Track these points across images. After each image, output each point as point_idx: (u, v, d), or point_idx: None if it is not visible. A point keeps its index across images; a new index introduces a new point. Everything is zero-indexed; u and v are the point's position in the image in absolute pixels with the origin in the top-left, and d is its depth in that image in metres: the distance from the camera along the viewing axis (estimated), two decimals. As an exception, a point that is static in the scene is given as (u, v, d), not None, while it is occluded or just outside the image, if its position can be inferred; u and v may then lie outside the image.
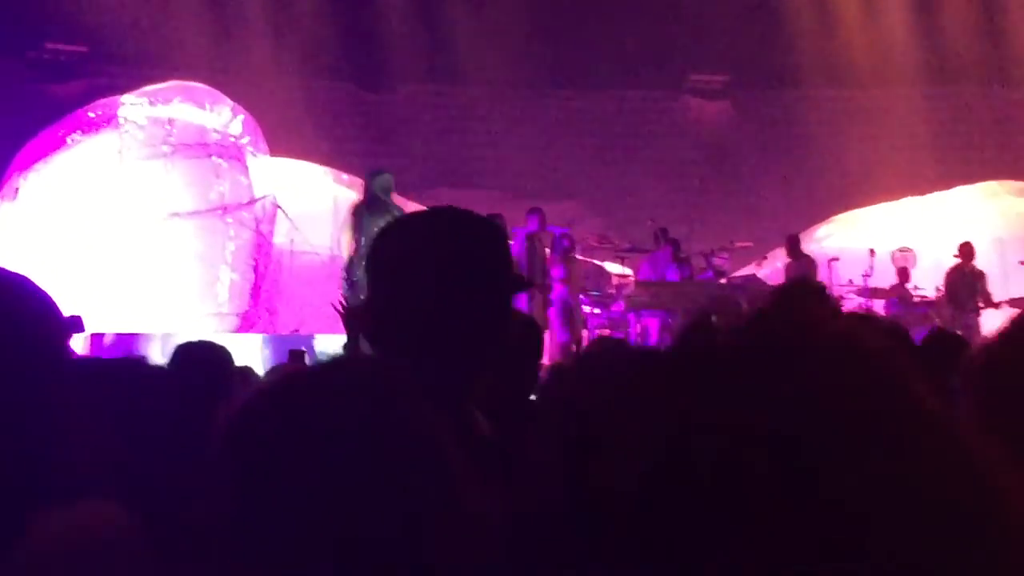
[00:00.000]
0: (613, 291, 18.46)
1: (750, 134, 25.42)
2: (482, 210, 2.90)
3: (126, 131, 17.38)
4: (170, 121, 17.63)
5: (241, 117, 18.27)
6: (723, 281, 17.52)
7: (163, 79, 18.66)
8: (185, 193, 17.06)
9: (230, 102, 18.34)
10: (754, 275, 18.15)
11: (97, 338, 14.00)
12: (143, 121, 17.51)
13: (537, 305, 15.11)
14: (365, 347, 3.03)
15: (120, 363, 3.47)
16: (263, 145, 18.48)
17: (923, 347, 5.15)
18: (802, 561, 0.67)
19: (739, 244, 19.22)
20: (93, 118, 17.55)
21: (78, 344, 12.01)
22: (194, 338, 6.87)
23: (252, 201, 17.47)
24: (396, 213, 11.61)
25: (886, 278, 18.64)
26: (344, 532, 1.48)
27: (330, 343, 13.59)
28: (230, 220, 17.18)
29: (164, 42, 22.06)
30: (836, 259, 18.64)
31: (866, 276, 18.31)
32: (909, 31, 25.17)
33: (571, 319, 16.54)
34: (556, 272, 16.55)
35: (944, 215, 21.17)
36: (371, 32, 24.35)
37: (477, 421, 2.48)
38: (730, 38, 24.89)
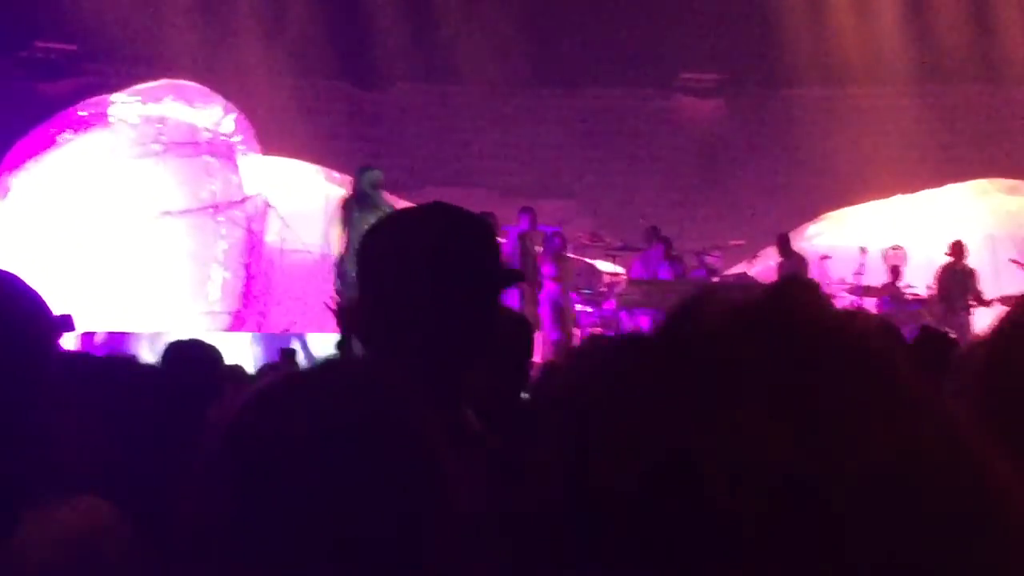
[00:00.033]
0: (605, 289, 18.46)
1: (742, 133, 25.43)
2: (474, 209, 2.89)
3: (117, 130, 17.37)
4: (161, 120, 17.62)
5: (232, 116, 18.27)
6: (715, 279, 17.54)
7: (154, 77, 18.65)
8: (176, 192, 17.05)
9: (221, 100, 18.33)
10: (745, 273, 18.17)
11: (88, 337, 13.99)
12: (134, 120, 17.50)
13: (528, 304, 15.11)
14: (358, 345, 3.02)
15: (110, 362, 3.46)
16: (254, 144, 18.49)
17: (912, 346, 5.16)
18: (802, 560, 0.66)
19: (731, 242, 19.24)
20: (84, 117, 17.54)
21: (69, 343, 12.00)
22: (184, 337, 6.87)
23: (243, 200, 17.46)
24: (386, 209, 11.60)
25: (877, 276, 18.67)
26: (340, 532, 1.48)
27: (322, 341, 13.59)
28: (221, 219, 17.18)
29: (155, 40, 22.00)
30: (827, 257, 18.67)
31: (857, 274, 18.32)
32: (900, 30, 25.19)
33: (562, 317, 16.54)
34: (547, 270, 16.56)
35: (935, 213, 21.18)
36: (362, 30, 24.32)
37: (469, 419, 2.48)
38: (722, 37, 24.90)
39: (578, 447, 0.71)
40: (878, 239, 19.91)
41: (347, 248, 12.09)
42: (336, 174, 18.44)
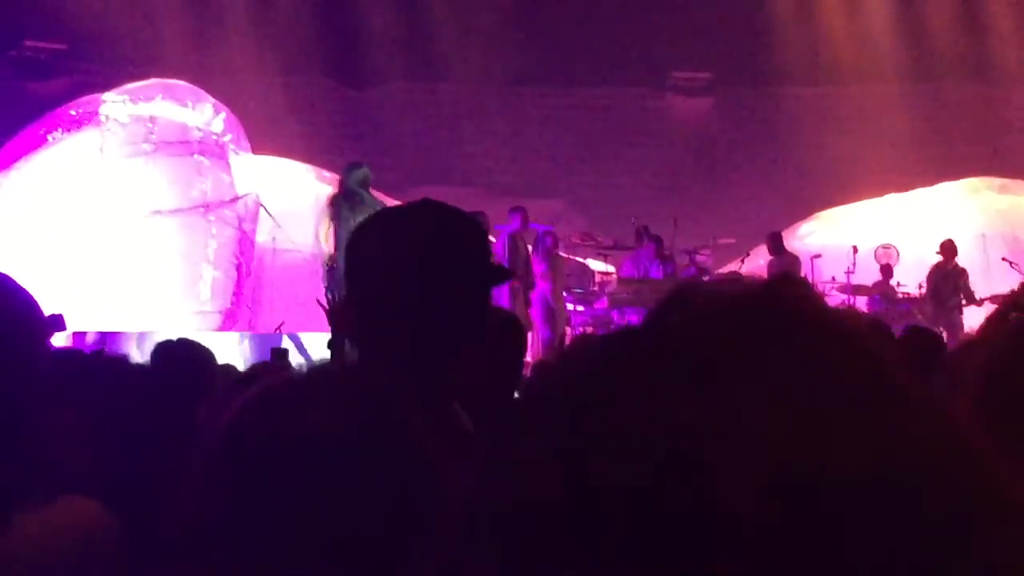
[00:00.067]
0: (596, 288, 18.49)
1: (733, 132, 25.46)
2: (464, 208, 2.88)
3: (108, 129, 17.34)
4: (152, 119, 17.60)
5: (223, 115, 18.25)
6: (706, 279, 17.54)
7: (145, 77, 18.63)
8: (167, 191, 17.03)
9: (212, 100, 18.31)
10: (737, 272, 18.17)
11: (79, 336, 13.96)
12: (125, 119, 17.47)
13: (519, 303, 15.11)
14: (349, 344, 3.02)
15: (101, 361, 3.46)
16: (245, 143, 18.47)
17: (901, 345, 5.17)
18: (802, 559, 0.66)
19: (722, 241, 19.28)
20: (74, 116, 17.52)
21: (60, 343, 11.97)
22: (175, 336, 6.86)
23: (234, 199, 17.44)
24: (374, 207, 11.57)
25: (869, 275, 18.70)
26: (336, 534, 1.49)
27: (313, 340, 13.58)
28: (212, 218, 17.16)
29: (145, 40, 22.01)
30: (819, 256, 18.71)
31: (849, 273, 18.36)
32: (891, 29, 25.24)
33: (554, 316, 16.55)
34: (539, 269, 16.56)
35: (926, 212, 21.22)
36: (353, 29, 24.34)
37: (459, 417, 2.47)
38: (713, 36, 24.93)
39: (575, 446, 0.70)
40: (869, 238, 19.97)
41: (336, 246, 12.06)
42: (327, 173, 18.44)
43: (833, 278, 18.20)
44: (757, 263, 18.96)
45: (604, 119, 25.43)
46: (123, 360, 3.73)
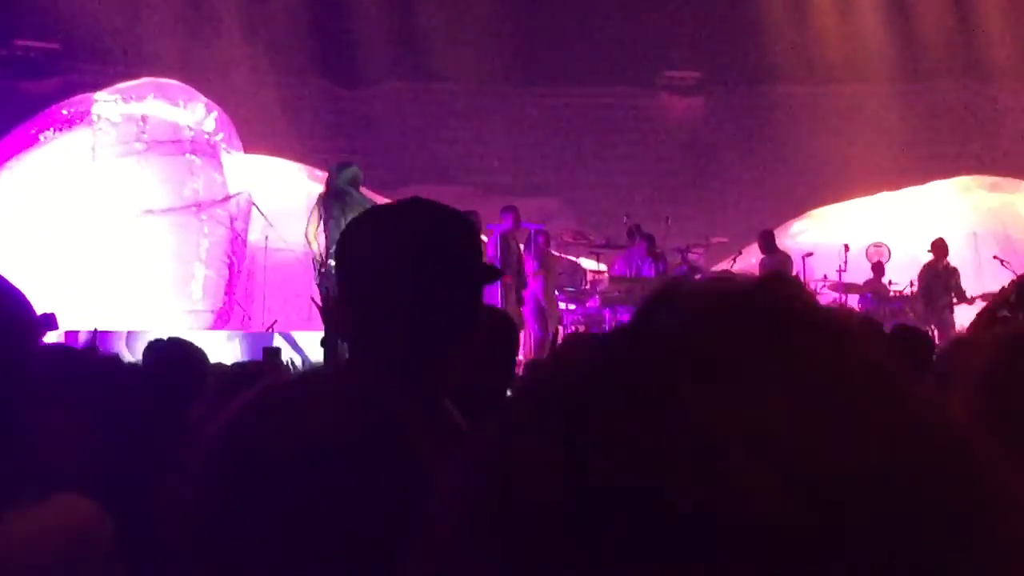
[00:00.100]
0: (588, 287, 18.47)
1: (724, 130, 25.47)
2: (457, 207, 2.87)
3: (99, 128, 17.33)
4: (143, 118, 17.58)
5: (215, 114, 18.24)
6: (698, 277, 17.52)
7: (136, 76, 18.62)
8: (159, 190, 17.01)
9: (204, 99, 18.30)
10: (729, 271, 18.17)
11: (71, 335, 13.95)
12: (116, 118, 17.46)
13: (511, 302, 15.10)
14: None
15: (93, 360, 3.45)
16: (237, 142, 18.46)
17: (889, 343, 5.17)
18: (802, 559, 0.66)
19: (714, 240, 19.26)
20: (66, 115, 17.50)
21: (52, 342, 11.95)
22: (167, 335, 6.85)
23: (226, 198, 17.43)
24: (365, 205, 11.55)
25: (860, 273, 18.71)
26: (330, 535, 1.49)
27: (306, 339, 13.57)
28: (204, 217, 17.15)
29: (137, 39, 21.98)
30: (810, 254, 18.69)
31: (840, 271, 18.36)
32: (882, 28, 25.27)
33: (546, 315, 16.54)
34: (531, 268, 16.55)
35: (918, 210, 21.25)
36: (345, 29, 24.32)
37: (452, 416, 2.47)
38: (704, 35, 24.96)
39: (576, 445, 0.71)
40: (861, 236, 19.97)
41: (328, 246, 12.03)
42: (319, 172, 18.42)
43: (825, 276, 18.20)
44: (749, 261, 18.96)
45: (596, 118, 25.43)
46: (115, 359, 3.73)
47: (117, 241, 16.26)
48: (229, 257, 17.15)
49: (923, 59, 24.97)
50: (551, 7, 25.06)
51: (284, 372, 5.84)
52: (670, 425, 0.68)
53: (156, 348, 5.67)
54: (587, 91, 25.29)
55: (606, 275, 18.66)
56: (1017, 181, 22.12)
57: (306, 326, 13.98)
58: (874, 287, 18.37)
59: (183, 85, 18.41)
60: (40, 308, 2.50)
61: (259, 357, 10.50)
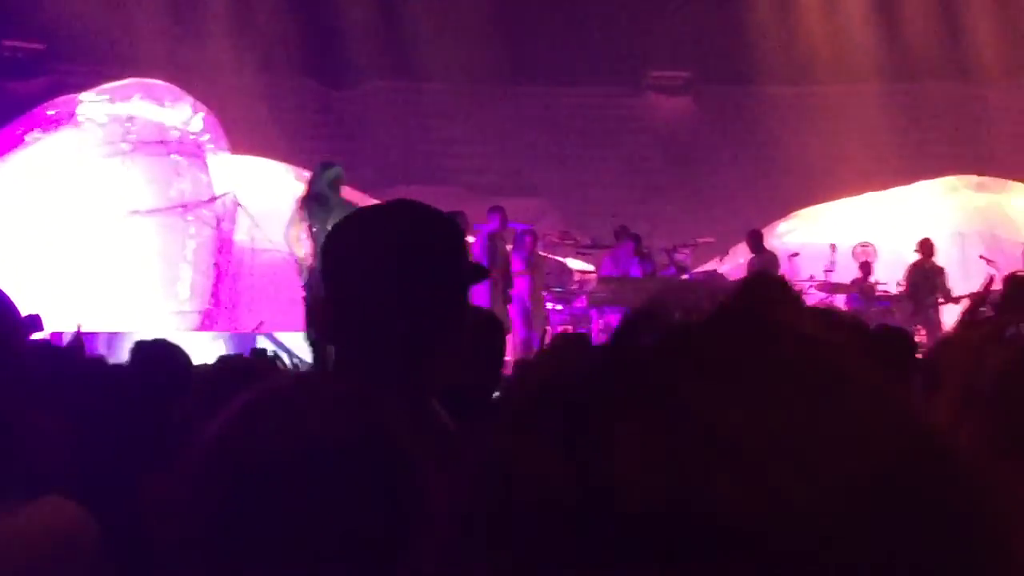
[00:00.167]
0: (575, 287, 18.50)
1: (712, 130, 25.50)
2: (444, 207, 2.88)
3: (85, 129, 17.30)
4: (130, 118, 17.56)
5: (201, 114, 18.22)
6: (685, 277, 17.58)
7: (122, 76, 18.59)
8: (145, 191, 16.99)
9: (190, 99, 18.28)
10: (716, 271, 18.22)
11: (57, 337, 13.93)
12: (102, 119, 17.44)
13: (499, 302, 15.10)
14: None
15: (78, 362, 3.45)
16: (223, 142, 18.43)
17: (872, 344, 5.16)
18: (800, 560, 0.66)
19: (701, 240, 19.29)
20: (52, 116, 17.47)
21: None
22: (152, 336, 6.83)
23: (213, 198, 17.42)
24: (345, 208, 11.54)
25: (847, 273, 18.77)
26: (324, 540, 1.50)
27: (292, 340, 13.56)
28: (191, 218, 17.13)
29: (123, 39, 21.94)
30: (797, 254, 18.75)
31: (827, 271, 18.42)
32: (869, 28, 25.32)
33: (533, 316, 16.56)
34: (518, 268, 16.57)
35: (905, 210, 21.30)
36: (332, 28, 24.31)
37: (439, 417, 2.47)
38: (691, 35, 24.99)
39: (579, 447, 0.71)
40: (848, 236, 20.03)
41: (313, 247, 11.99)
42: (306, 172, 18.39)
43: (812, 276, 18.24)
44: (736, 261, 19.00)
45: (583, 118, 25.44)
46: (100, 360, 3.72)
47: (103, 242, 16.23)
48: (216, 258, 17.14)
49: (910, 59, 25.03)
50: (538, 7, 25.08)
51: (284, 372, 5.83)
52: (672, 424, 0.68)
53: (140, 349, 5.65)
54: (574, 91, 25.30)
55: (593, 275, 18.68)
56: (1003, 181, 22.19)
57: (292, 327, 13.96)
58: (861, 286, 18.42)
59: (169, 85, 18.39)
60: (26, 309, 2.49)
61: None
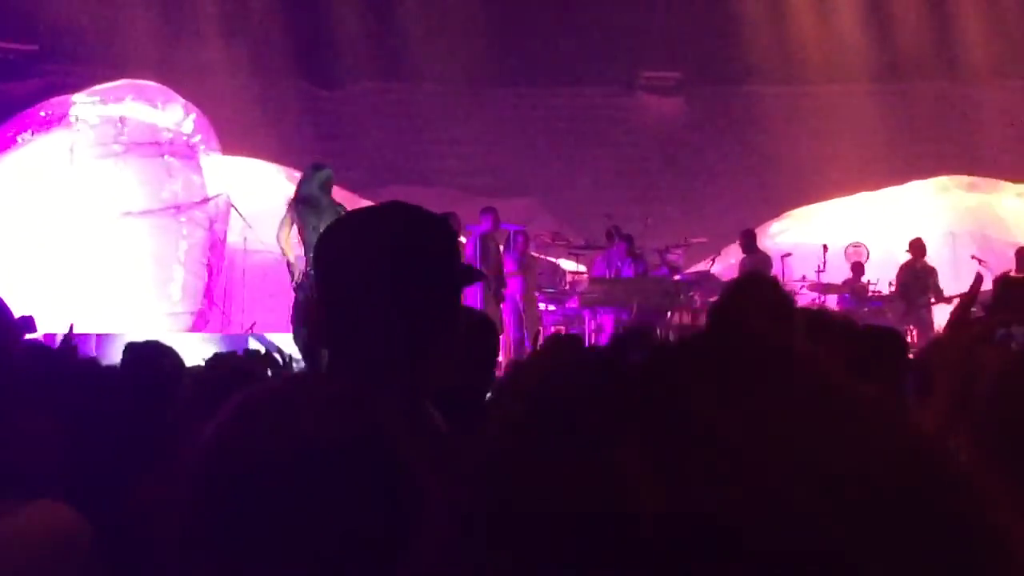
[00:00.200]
0: (568, 288, 18.50)
1: (703, 131, 25.48)
2: (435, 208, 2.88)
3: (78, 130, 17.29)
4: (122, 120, 17.55)
5: (193, 115, 18.21)
6: (677, 277, 17.59)
7: (115, 78, 18.58)
8: (138, 192, 16.98)
9: (182, 100, 18.27)
10: (708, 271, 18.22)
11: (50, 338, 13.91)
12: (95, 120, 17.43)
13: (491, 303, 15.09)
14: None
15: (71, 363, 3.45)
16: (215, 143, 18.43)
17: (859, 345, 5.17)
18: (798, 561, 0.67)
19: (693, 240, 19.28)
20: (44, 117, 17.46)
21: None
22: (144, 338, 6.83)
23: (205, 200, 17.41)
24: (335, 211, 11.55)
25: (839, 273, 18.79)
26: (319, 542, 1.50)
27: (284, 341, 13.54)
28: (183, 219, 17.13)
29: (115, 40, 21.89)
30: (789, 254, 18.75)
31: (819, 271, 18.44)
32: (860, 28, 25.32)
33: (526, 317, 16.56)
34: (510, 269, 16.56)
35: (896, 210, 21.33)
36: (323, 29, 24.29)
37: (432, 418, 2.48)
38: (683, 35, 24.97)
39: (575, 445, 0.71)
40: (840, 236, 20.06)
41: (304, 249, 11.97)
42: (296, 173, 18.41)
43: (804, 276, 18.26)
44: (728, 262, 19.01)
45: (574, 119, 25.41)
46: (94, 361, 3.72)
47: (96, 243, 16.23)
48: (208, 259, 17.13)
49: (901, 59, 25.04)
50: (529, 7, 25.05)
51: (280, 371, 5.82)
52: (672, 425, 0.69)
53: (133, 351, 5.64)
54: (566, 92, 25.28)
55: (586, 276, 18.68)
56: (995, 181, 22.23)
57: (285, 328, 13.96)
58: (852, 287, 18.45)
59: (161, 87, 18.38)
60: (18, 311, 2.49)
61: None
